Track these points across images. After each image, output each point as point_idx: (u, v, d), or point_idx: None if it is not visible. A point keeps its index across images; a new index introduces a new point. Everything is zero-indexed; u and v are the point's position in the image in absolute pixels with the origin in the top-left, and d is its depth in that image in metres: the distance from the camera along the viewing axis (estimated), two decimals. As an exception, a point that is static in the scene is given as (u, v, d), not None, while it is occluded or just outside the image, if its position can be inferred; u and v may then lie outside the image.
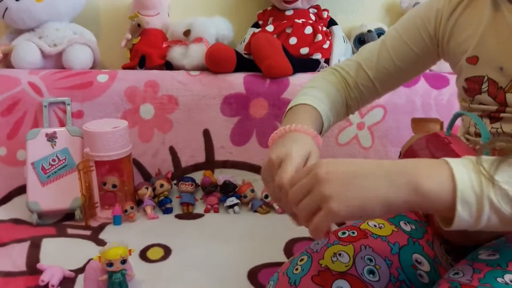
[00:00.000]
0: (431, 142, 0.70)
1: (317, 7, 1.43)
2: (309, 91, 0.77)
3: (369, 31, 1.41)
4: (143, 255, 1.00)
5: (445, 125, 0.74)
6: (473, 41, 0.70)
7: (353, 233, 0.70)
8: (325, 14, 1.42)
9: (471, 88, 0.73)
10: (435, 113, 1.25)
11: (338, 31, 1.41)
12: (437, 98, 1.26)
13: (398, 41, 0.77)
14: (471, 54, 0.70)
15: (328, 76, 0.82)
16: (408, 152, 0.72)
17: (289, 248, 1.01)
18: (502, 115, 0.69)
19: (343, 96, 0.81)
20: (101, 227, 1.14)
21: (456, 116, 0.72)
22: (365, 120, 1.27)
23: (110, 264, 0.82)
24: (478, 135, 0.73)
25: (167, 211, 1.21)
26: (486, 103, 0.71)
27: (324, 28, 1.39)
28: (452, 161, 0.49)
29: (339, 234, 0.70)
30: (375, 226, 0.71)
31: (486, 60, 0.69)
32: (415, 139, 0.74)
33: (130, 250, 0.86)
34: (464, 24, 0.71)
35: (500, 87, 0.68)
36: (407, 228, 0.72)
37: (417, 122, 0.80)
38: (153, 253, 1.01)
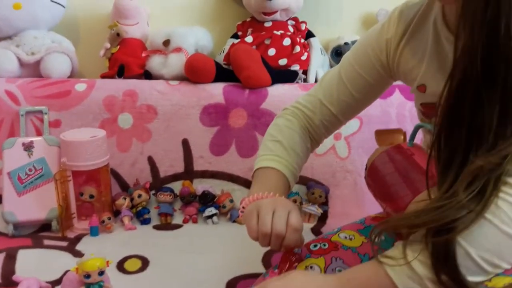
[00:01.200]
0: (394, 155, 0.72)
1: (295, 19, 1.45)
2: (274, 148, 0.78)
3: (345, 43, 1.44)
4: (120, 266, 1.00)
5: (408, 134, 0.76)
6: (420, 71, 0.70)
7: (324, 245, 0.71)
8: (303, 26, 1.45)
9: (427, 112, 0.74)
10: (410, 124, 1.27)
11: (315, 43, 1.43)
12: (412, 109, 1.28)
13: (354, 73, 0.78)
14: (419, 83, 0.71)
15: (292, 122, 0.82)
16: (372, 168, 0.74)
17: (267, 258, 1.02)
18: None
19: (307, 140, 0.82)
20: (78, 238, 1.13)
21: (417, 128, 0.74)
22: (341, 130, 1.30)
23: (88, 276, 0.82)
24: None
25: (145, 221, 1.20)
26: None
27: (302, 40, 1.41)
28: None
29: (311, 247, 0.72)
30: (345, 237, 0.73)
31: (433, 89, 0.69)
32: (378, 152, 0.75)
33: (107, 262, 0.85)
34: (410, 53, 0.71)
35: None
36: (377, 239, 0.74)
37: (380, 134, 0.82)
38: (131, 265, 1.00)
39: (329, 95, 0.80)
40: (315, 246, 0.72)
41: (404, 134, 0.80)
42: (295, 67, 1.37)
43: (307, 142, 0.82)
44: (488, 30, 0.49)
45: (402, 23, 0.71)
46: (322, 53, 1.43)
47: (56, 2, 1.40)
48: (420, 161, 0.67)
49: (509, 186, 0.52)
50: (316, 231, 1.17)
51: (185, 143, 1.30)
